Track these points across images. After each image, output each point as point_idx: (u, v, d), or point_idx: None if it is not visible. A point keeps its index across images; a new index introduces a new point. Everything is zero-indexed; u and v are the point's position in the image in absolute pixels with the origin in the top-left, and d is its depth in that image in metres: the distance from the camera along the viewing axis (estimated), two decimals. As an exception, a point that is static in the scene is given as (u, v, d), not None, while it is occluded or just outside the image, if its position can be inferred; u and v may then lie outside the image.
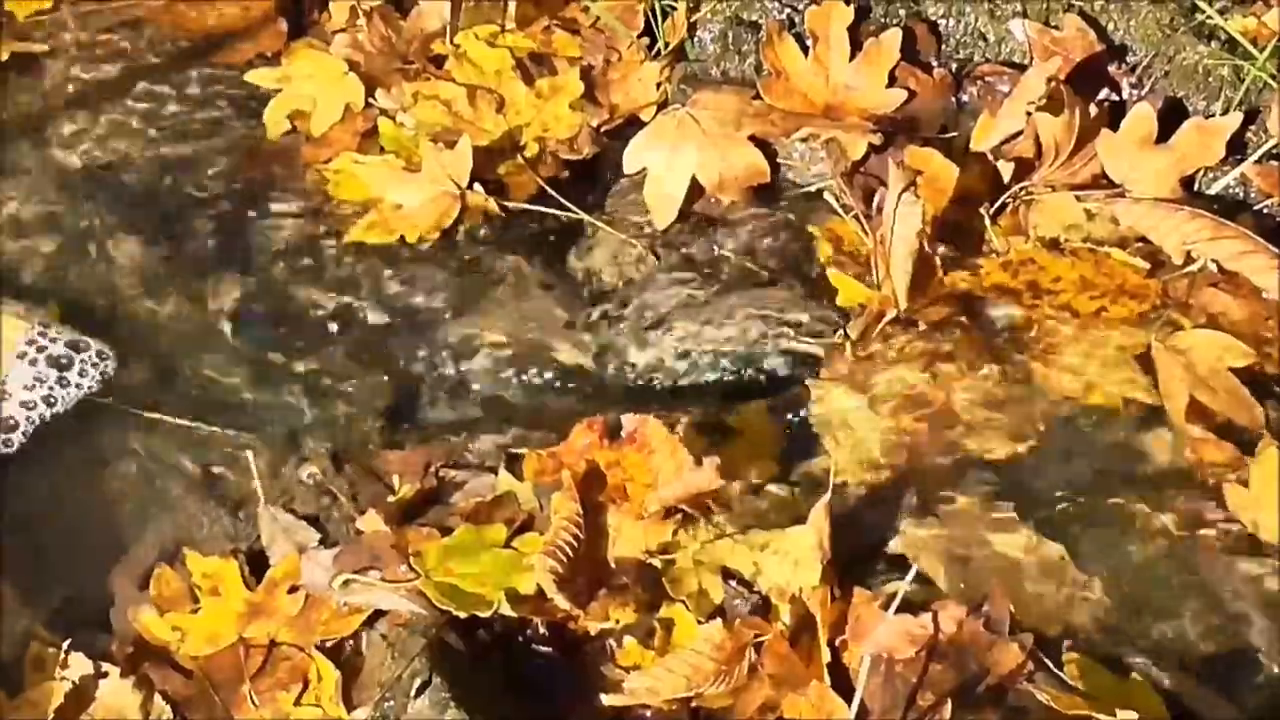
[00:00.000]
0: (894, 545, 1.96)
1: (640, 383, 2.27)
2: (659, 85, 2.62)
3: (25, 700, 1.91)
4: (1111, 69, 2.46)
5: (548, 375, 2.29)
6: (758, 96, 2.52)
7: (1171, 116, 2.36)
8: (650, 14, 2.66)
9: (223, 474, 2.17)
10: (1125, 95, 2.45)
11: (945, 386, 2.13)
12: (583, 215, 2.47)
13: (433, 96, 2.62)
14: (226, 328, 2.38)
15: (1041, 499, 2.00)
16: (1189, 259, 2.23)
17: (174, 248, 2.49)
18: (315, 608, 1.98)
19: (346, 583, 1.95)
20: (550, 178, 2.52)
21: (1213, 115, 2.37)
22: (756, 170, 2.46)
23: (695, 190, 2.45)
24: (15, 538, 2.10)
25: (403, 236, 2.45)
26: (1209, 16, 2.41)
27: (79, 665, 1.93)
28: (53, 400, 2.23)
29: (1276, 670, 1.83)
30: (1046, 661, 1.78)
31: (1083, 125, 2.32)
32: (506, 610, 1.87)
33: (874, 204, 2.31)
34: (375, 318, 2.38)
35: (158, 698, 1.93)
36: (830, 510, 1.86)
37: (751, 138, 2.46)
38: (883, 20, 2.56)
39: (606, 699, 1.78)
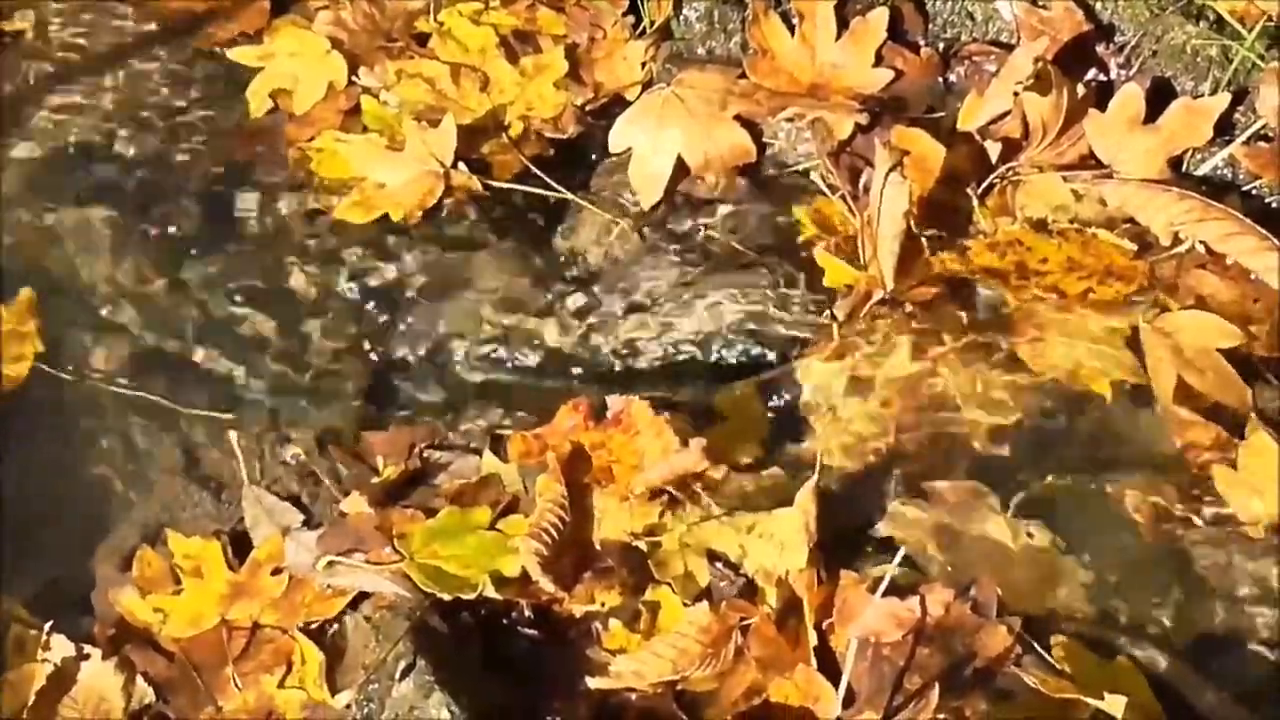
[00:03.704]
0: (881, 528, 1.96)
1: (626, 364, 2.26)
2: (644, 64, 2.61)
3: (6, 682, 1.91)
4: (1099, 49, 2.44)
5: (532, 356, 2.28)
6: (743, 75, 2.51)
7: (1159, 97, 2.35)
8: (635, -8, 2.66)
9: (205, 455, 2.17)
10: (1113, 75, 2.44)
11: (932, 368, 2.13)
12: (567, 195, 2.46)
13: (416, 75, 2.61)
14: (209, 307, 2.36)
15: (1028, 481, 2.00)
16: (1176, 240, 2.23)
17: (156, 227, 2.47)
18: (298, 589, 1.97)
19: (330, 564, 1.94)
20: (535, 157, 2.51)
21: (1201, 95, 2.36)
22: (742, 150, 2.45)
23: (681, 170, 2.44)
24: (-2, 520, 2.10)
25: (386, 215, 2.44)
26: (1197, -4, 2.41)
27: (61, 647, 1.92)
28: None
29: (1263, 653, 1.84)
30: (1034, 645, 1.78)
31: (1070, 105, 2.32)
32: (491, 593, 1.87)
33: (860, 184, 2.30)
34: (359, 297, 2.37)
35: (139, 680, 1.92)
36: (817, 492, 1.86)
37: (737, 117, 2.45)
38: (869, -1, 2.55)
39: (592, 682, 1.78)
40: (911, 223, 2.17)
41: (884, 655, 1.78)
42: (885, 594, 1.77)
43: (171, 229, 2.47)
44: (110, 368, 2.28)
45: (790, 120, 2.44)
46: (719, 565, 1.91)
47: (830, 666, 1.78)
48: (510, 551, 1.91)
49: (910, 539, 1.93)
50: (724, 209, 2.41)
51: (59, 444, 2.19)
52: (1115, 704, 1.64)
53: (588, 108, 2.59)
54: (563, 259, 2.41)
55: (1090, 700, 1.67)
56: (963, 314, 2.18)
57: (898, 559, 1.79)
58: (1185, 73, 2.38)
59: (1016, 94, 2.31)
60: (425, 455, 2.10)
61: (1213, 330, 2.10)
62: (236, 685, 1.92)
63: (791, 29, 2.52)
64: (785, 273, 2.29)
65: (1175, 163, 2.34)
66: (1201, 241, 2.21)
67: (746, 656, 1.81)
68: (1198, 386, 2.06)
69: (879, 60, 2.50)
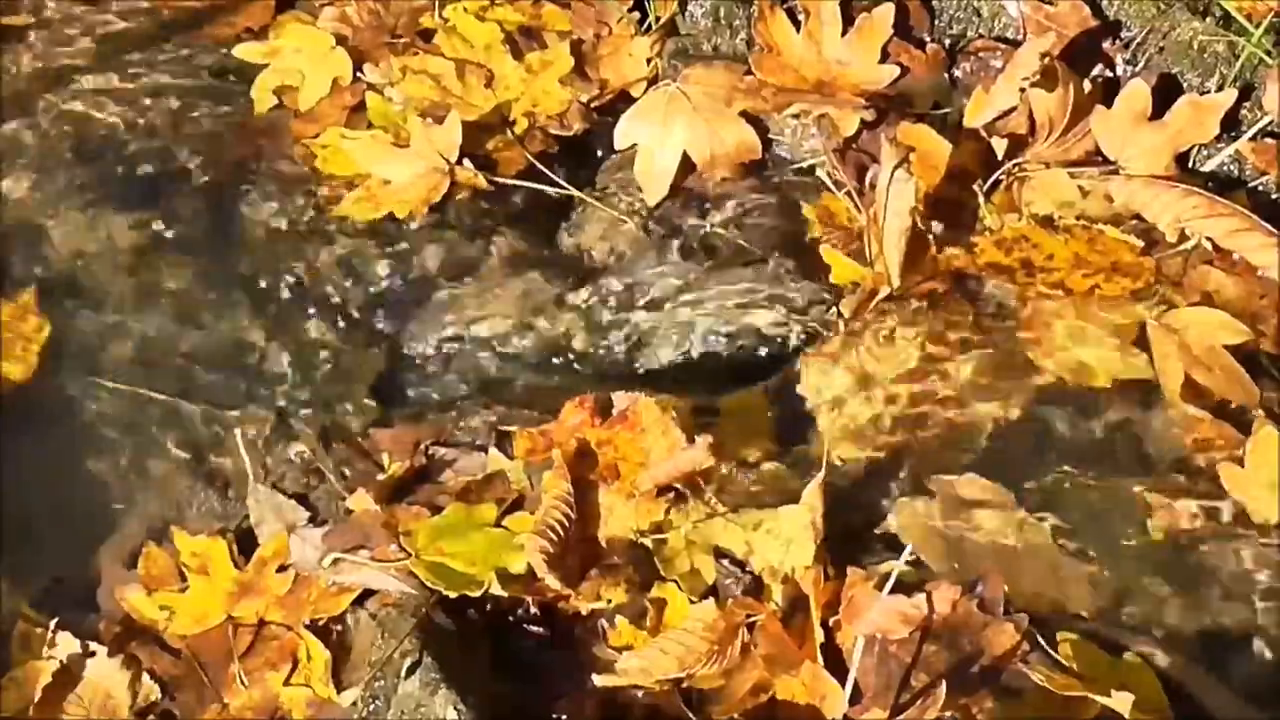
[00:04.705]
0: (887, 525, 1.96)
1: (631, 360, 2.26)
2: (650, 60, 2.61)
3: (12, 680, 1.91)
4: (1105, 45, 2.44)
5: (538, 353, 2.28)
6: (749, 72, 2.51)
7: (1166, 93, 2.34)
8: (641, -12, 2.66)
9: (211, 452, 2.16)
10: (1119, 71, 2.44)
11: (938, 365, 2.12)
12: (573, 191, 2.46)
13: (421, 71, 2.60)
14: (213, 304, 2.36)
15: (1036, 478, 1.99)
16: (1183, 236, 2.22)
17: (161, 223, 2.47)
18: (304, 587, 1.97)
19: (336, 562, 1.94)
20: (540, 153, 2.51)
21: (1207, 92, 2.35)
22: (748, 146, 2.45)
23: (686, 166, 2.44)
24: (2, 517, 2.08)
25: (391, 212, 2.44)
26: (1204, -9, 2.41)
27: (66, 644, 1.93)
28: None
29: (1271, 650, 1.83)
30: (1041, 642, 1.78)
31: (1076, 101, 2.31)
32: (497, 590, 1.86)
33: (867, 180, 2.30)
34: (364, 294, 2.37)
35: (145, 677, 1.93)
36: (823, 489, 1.85)
37: (743, 114, 2.45)
38: (875, -6, 2.55)
39: (598, 679, 1.77)
40: (918, 219, 2.17)
41: (891, 652, 1.78)
42: (892, 591, 1.77)
43: (176, 226, 2.47)
44: (115, 365, 2.28)
45: (796, 117, 2.44)
46: (725, 562, 1.90)
47: (837, 664, 1.77)
48: (516, 548, 1.90)
49: (917, 536, 1.92)
50: (729, 205, 2.41)
51: (64, 441, 2.19)
52: (1123, 701, 1.63)
53: (593, 104, 2.59)
54: (568, 256, 2.41)
55: (1098, 698, 1.66)
56: (969, 310, 2.18)
57: (904, 556, 1.78)
58: (1192, 69, 2.37)
59: (1023, 90, 2.30)
60: (431, 452, 2.10)
61: (1220, 327, 2.10)
62: (242, 682, 1.92)
63: (797, 25, 2.52)
64: (791, 269, 2.29)
65: (1182, 159, 2.34)
66: (1208, 238, 2.21)
67: (753, 654, 1.80)
68: (1205, 383, 2.05)
69: (885, 57, 2.50)
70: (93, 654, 1.92)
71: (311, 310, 2.35)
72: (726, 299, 2.27)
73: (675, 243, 2.37)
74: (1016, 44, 2.45)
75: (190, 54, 2.75)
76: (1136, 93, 2.33)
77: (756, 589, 1.87)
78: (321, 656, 1.90)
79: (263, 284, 2.39)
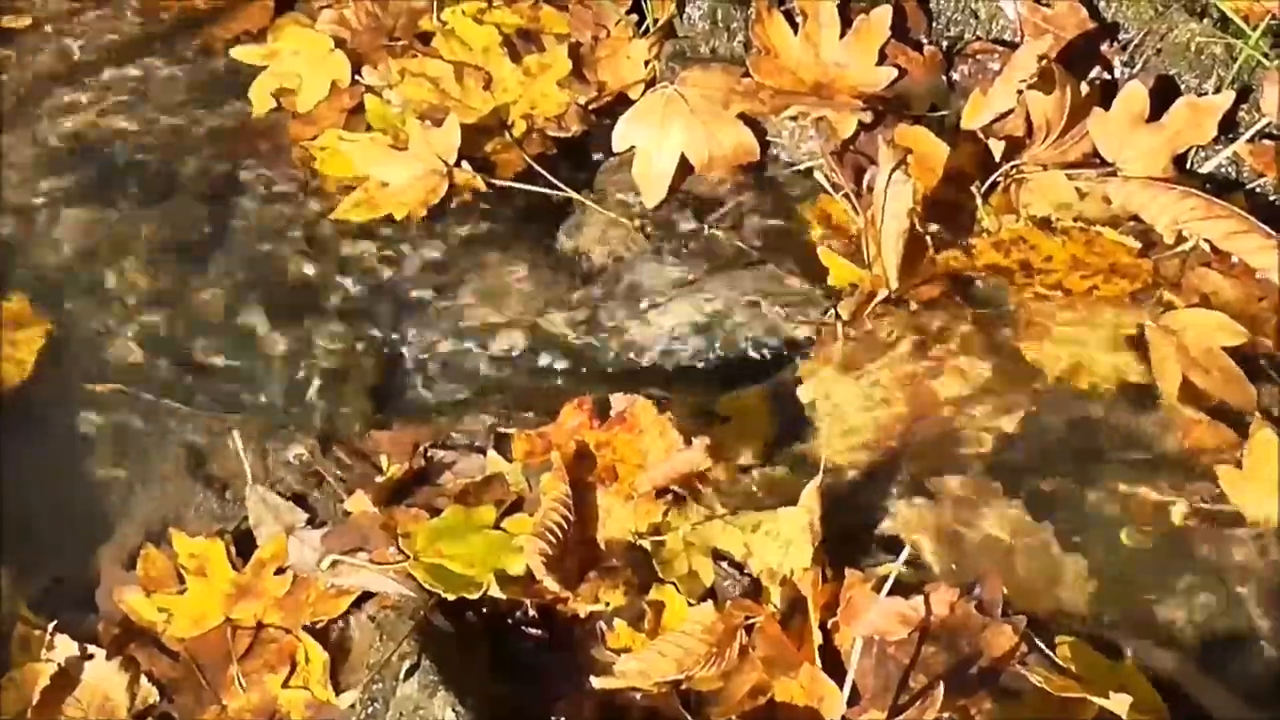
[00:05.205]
0: (885, 526, 1.95)
1: (629, 362, 2.26)
2: (647, 63, 2.61)
3: (11, 681, 1.91)
4: (1103, 47, 2.44)
5: (536, 355, 2.28)
6: (747, 74, 2.51)
7: (1163, 95, 2.35)
8: (639, -10, 2.66)
9: (209, 454, 2.16)
10: (1117, 73, 2.44)
11: (936, 367, 2.12)
12: (571, 193, 2.46)
13: (420, 73, 2.61)
14: (212, 306, 2.36)
15: (1033, 480, 1.99)
16: (1181, 238, 2.22)
17: (159, 225, 2.47)
18: (303, 589, 1.97)
19: (334, 564, 1.94)
20: (538, 156, 2.51)
21: (1205, 94, 2.35)
22: (746, 148, 2.45)
23: (684, 168, 2.44)
24: (2, 517, 2.08)
25: (390, 214, 2.44)
26: (1201, -7, 2.41)
27: (65, 647, 1.93)
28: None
29: (1269, 652, 1.83)
30: (1039, 644, 1.78)
31: (1074, 103, 2.32)
32: (495, 592, 1.86)
33: (864, 183, 2.30)
34: (362, 296, 2.37)
35: (144, 679, 1.93)
36: (821, 491, 1.85)
37: (741, 116, 2.45)
38: (872, -4, 2.55)
39: (596, 681, 1.77)
40: (915, 221, 2.17)
41: (889, 654, 1.78)
42: (890, 593, 1.77)
43: (174, 227, 2.47)
44: (114, 366, 2.28)
45: (794, 119, 2.44)
46: (724, 564, 1.90)
47: (835, 666, 1.77)
48: (515, 551, 1.90)
49: (915, 537, 1.92)
50: (727, 208, 2.41)
51: (63, 443, 2.19)
52: (1120, 703, 1.64)
53: (591, 106, 2.59)
54: (566, 258, 2.41)
55: (1096, 699, 1.67)
56: (967, 312, 2.18)
57: (902, 557, 1.78)
58: (1189, 71, 2.38)
59: (1020, 92, 2.31)
60: (429, 454, 2.10)
61: (1217, 328, 2.10)
62: (241, 685, 1.92)
63: (795, 27, 2.52)
64: (789, 271, 2.29)
65: (1179, 161, 2.34)
66: (1206, 240, 2.21)
67: (751, 656, 1.80)
68: (1203, 385, 2.05)
69: (882, 59, 2.50)
70: (91, 656, 1.92)
71: (310, 312, 2.35)
72: (724, 301, 2.27)
73: (673, 245, 2.37)
74: (1014, 46, 2.45)
75: (189, 56, 2.76)
76: (1134, 94, 2.33)
77: (755, 591, 1.87)
78: (320, 659, 1.90)
79: (261, 286, 2.39)
